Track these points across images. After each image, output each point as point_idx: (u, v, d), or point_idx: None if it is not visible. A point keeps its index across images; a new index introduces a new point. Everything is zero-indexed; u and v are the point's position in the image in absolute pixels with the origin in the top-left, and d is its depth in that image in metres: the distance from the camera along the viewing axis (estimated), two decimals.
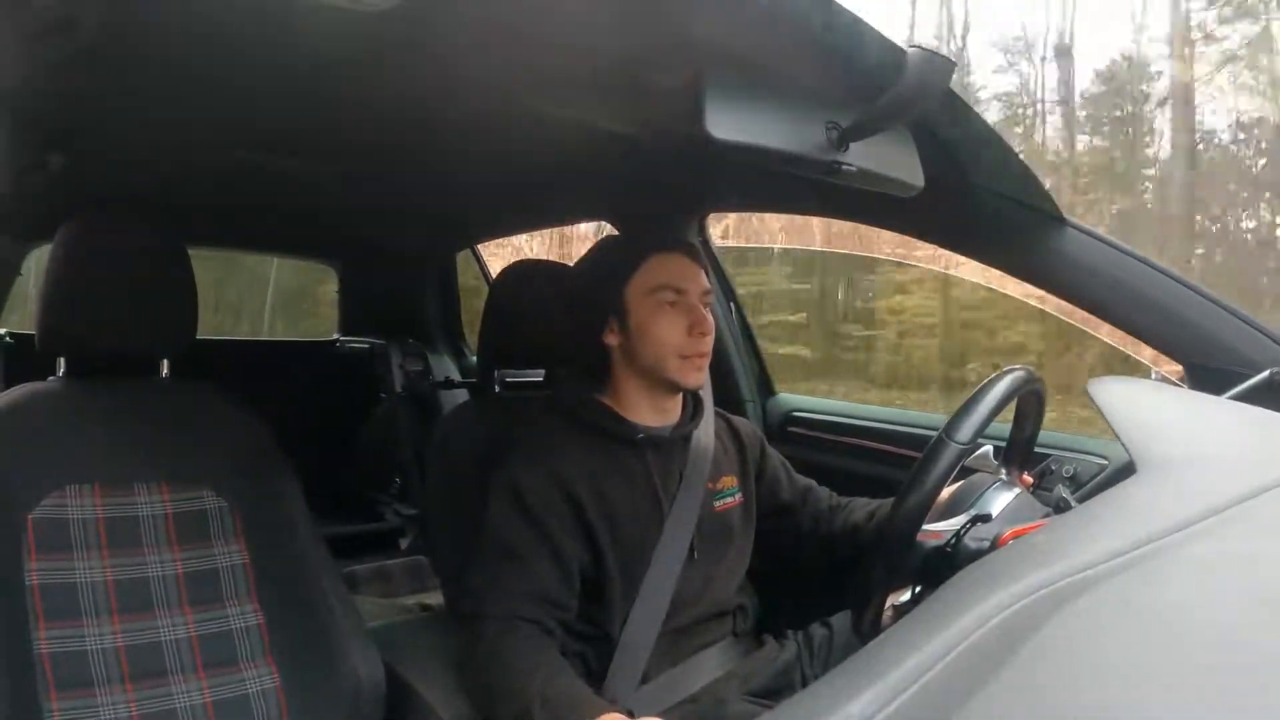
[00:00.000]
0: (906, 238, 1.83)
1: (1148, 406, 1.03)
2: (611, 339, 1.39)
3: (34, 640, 1.18)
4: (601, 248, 1.49)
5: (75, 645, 1.20)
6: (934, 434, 1.14)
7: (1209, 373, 1.30)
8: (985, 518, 1.21)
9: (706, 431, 1.47)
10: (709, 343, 1.37)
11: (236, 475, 1.37)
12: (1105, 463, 1.49)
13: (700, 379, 1.39)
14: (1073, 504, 1.26)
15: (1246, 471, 0.83)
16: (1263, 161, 8.38)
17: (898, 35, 0.97)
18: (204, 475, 1.35)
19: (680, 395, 1.44)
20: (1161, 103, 8.80)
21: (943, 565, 1.17)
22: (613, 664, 1.32)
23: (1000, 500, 1.25)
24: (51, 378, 1.34)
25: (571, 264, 1.56)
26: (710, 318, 1.37)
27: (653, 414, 1.41)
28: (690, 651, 1.38)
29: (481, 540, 1.33)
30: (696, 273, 1.38)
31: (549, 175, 1.86)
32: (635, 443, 1.38)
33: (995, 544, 1.15)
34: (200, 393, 1.41)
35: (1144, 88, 9.04)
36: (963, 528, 1.18)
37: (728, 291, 2.22)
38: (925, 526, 1.16)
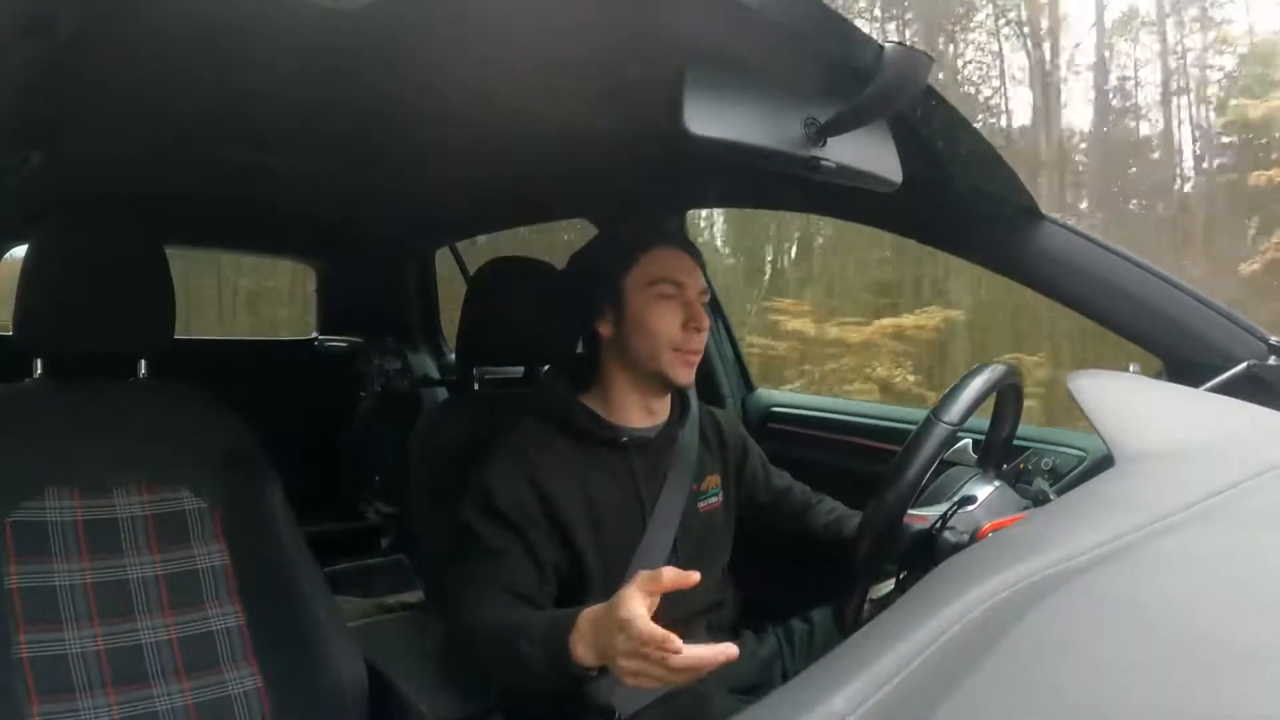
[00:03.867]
0: None
1: (1126, 399, 1.04)
2: (604, 329, 1.38)
3: (14, 645, 1.16)
4: (602, 239, 1.50)
5: (56, 650, 1.19)
6: (913, 429, 1.15)
7: (1187, 365, 1.31)
8: (970, 500, 1.22)
9: (692, 432, 1.47)
10: (702, 340, 1.37)
11: (216, 475, 1.35)
12: (1083, 456, 1.50)
13: (690, 376, 1.38)
14: (1051, 497, 1.27)
15: (1224, 464, 0.84)
16: None
17: None
18: (183, 476, 1.34)
19: (669, 395, 1.44)
20: None
21: (926, 550, 1.18)
22: None
23: (981, 491, 1.26)
24: (28, 379, 1.32)
25: (549, 261, 1.56)
26: (706, 316, 1.37)
27: (641, 413, 1.41)
28: None
29: (456, 543, 1.33)
30: (695, 270, 1.38)
31: (528, 172, 1.86)
32: (619, 444, 1.38)
33: (975, 537, 1.16)
34: (179, 393, 1.39)
35: None
36: (948, 511, 1.19)
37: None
38: (910, 511, 1.17)
